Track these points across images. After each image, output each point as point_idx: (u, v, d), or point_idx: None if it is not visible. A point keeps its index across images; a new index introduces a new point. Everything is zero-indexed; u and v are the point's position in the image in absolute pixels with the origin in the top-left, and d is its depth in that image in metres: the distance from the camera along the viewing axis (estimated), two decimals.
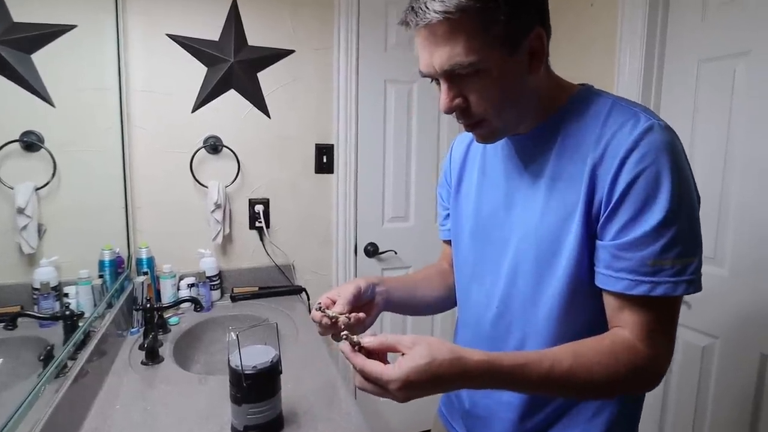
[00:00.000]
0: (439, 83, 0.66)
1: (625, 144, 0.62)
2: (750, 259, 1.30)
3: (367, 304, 0.79)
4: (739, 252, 1.33)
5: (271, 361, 0.87)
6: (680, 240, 0.60)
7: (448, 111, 0.66)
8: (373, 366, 0.57)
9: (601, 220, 0.64)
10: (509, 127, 0.70)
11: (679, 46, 1.49)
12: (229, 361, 0.86)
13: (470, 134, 0.79)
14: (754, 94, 1.29)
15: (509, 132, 0.72)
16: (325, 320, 0.68)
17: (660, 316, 0.63)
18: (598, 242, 0.65)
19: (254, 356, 0.87)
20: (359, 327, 0.70)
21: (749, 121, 1.31)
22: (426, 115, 2.02)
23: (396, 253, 2.02)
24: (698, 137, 1.43)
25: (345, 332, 0.62)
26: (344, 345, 0.61)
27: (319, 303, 0.72)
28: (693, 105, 1.45)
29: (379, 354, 0.61)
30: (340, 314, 0.68)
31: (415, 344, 0.57)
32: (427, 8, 0.59)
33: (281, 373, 0.90)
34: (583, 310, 0.69)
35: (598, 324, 0.67)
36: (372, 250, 1.97)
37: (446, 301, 0.95)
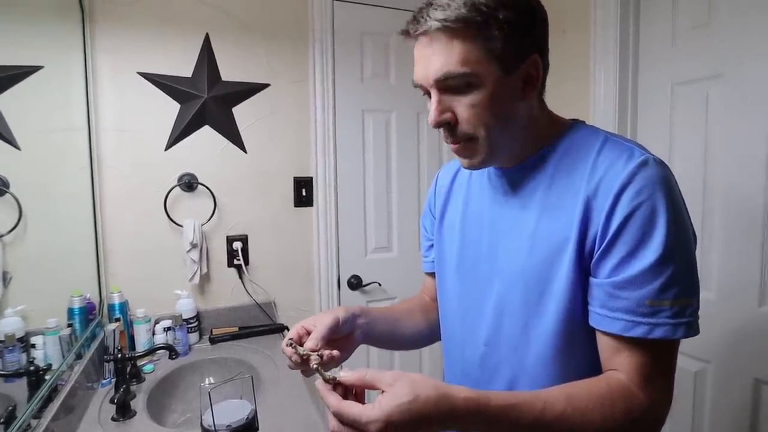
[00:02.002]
0: (431, 96, 0.65)
1: (620, 178, 0.60)
2: (736, 281, 1.29)
3: (344, 337, 0.74)
4: (725, 275, 1.32)
5: (247, 418, 0.82)
6: (678, 279, 0.58)
7: (437, 125, 0.64)
8: (350, 407, 0.52)
9: (596, 256, 0.62)
10: (496, 152, 0.68)
11: (651, 70, 1.51)
12: (201, 421, 0.81)
13: (456, 164, 0.79)
14: (728, 118, 1.30)
15: (496, 159, 0.70)
16: (295, 357, 0.63)
17: (658, 360, 0.60)
18: (593, 280, 0.63)
19: (229, 413, 0.82)
20: (332, 365, 0.65)
21: (724, 145, 1.31)
22: (405, 143, 2.01)
23: (380, 284, 1.98)
24: (676, 161, 1.43)
25: (316, 366, 0.57)
26: (318, 383, 0.56)
27: (291, 339, 0.66)
28: (669, 129, 1.46)
29: (356, 392, 0.56)
30: (312, 351, 0.63)
31: (396, 381, 0.52)
32: (429, 17, 0.60)
33: (258, 429, 0.85)
34: (578, 351, 0.66)
35: (594, 366, 0.65)
36: (355, 283, 1.93)
37: (428, 337, 0.92)
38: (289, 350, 0.64)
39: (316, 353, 0.62)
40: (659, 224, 0.58)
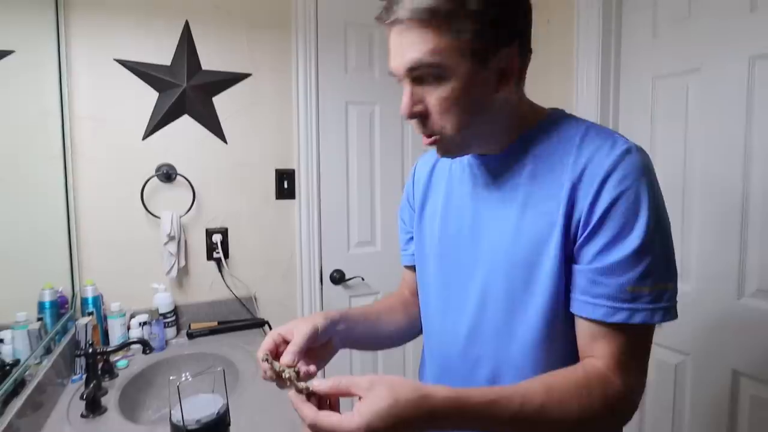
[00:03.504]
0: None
1: (605, 165, 0.61)
2: (714, 273, 1.30)
3: (322, 345, 0.71)
4: (704, 267, 1.33)
5: (218, 413, 0.79)
6: (657, 265, 0.59)
7: (408, 116, 0.64)
8: (327, 417, 0.50)
9: (579, 242, 0.62)
10: (469, 143, 0.68)
11: (633, 63, 1.52)
12: (170, 415, 0.78)
13: (434, 155, 0.77)
14: (707, 110, 1.31)
15: (471, 149, 0.70)
16: (270, 372, 0.60)
17: (634, 346, 0.61)
18: (575, 266, 0.63)
19: (199, 408, 0.80)
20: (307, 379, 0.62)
21: (704, 137, 1.32)
22: (389, 136, 1.99)
23: (363, 279, 1.95)
24: (657, 152, 1.44)
25: (289, 376, 0.55)
26: (291, 393, 0.54)
27: (267, 352, 0.63)
28: (650, 121, 1.47)
29: (331, 401, 0.55)
30: (288, 367, 0.60)
31: (373, 385, 0.51)
32: (399, 5, 0.59)
33: (230, 424, 0.82)
34: (561, 340, 0.66)
35: (571, 356, 0.65)
36: (338, 278, 1.90)
37: (409, 333, 0.90)
38: (265, 365, 0.61)
39: (293, 369, 0.59)
40: (642, 211, 0.59)
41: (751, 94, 1.22)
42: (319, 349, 0.70)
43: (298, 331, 0.65)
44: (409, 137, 2.02)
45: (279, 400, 1.16)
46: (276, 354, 0.64)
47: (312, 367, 0.62)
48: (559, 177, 0.64)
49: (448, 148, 0.68)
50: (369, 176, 1.97)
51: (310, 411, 0.51)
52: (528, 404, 0.55)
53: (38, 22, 1.36)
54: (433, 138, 0.66)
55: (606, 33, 1.54)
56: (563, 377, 0.60)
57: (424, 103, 0.63)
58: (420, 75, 0.61)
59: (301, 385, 0.54)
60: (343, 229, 1.94)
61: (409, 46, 0.60)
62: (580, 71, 1.60)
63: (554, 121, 0.69)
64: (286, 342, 0.65)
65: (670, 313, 0.60)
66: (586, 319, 0.62)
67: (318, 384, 0.53)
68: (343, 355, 0.74)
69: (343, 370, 1.93)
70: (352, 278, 1.94)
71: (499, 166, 0.71)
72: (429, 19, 0.58)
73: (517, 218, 0.67)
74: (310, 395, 0.53)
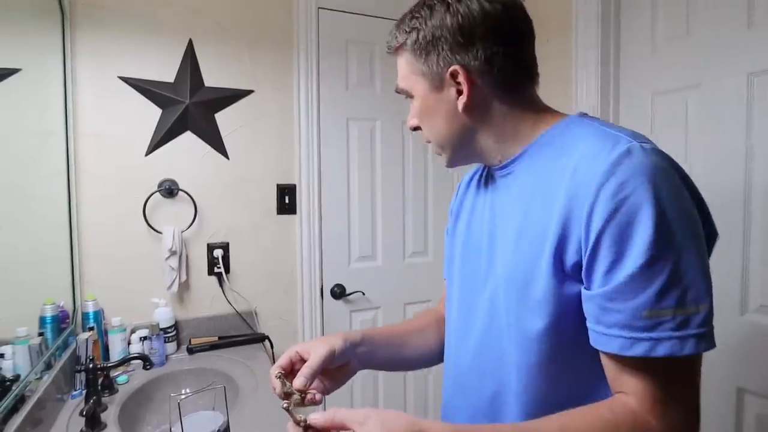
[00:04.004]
0: None
1: (599, 171, 0.54)
2: (717, 290, 1.29)
3: (339, 367, 0.71)
4: None
5: (218, 431, 0.79)
6: (678, 283, 0.51)
7: (410, 128, 0.74)
8: None
9: (584, 265, 0.55)
10: (455, 157, 0.72)
11: (632, 80, 1.53)
12: None
13: (475, 166, 0.83)
14: (706, 126, 1.32)
15: (463, 162, 0.74)
16: (279, 391, 0.62)
17: (671, 380, 0.53)
18: (584, 292, 0.56)
19: (199, 425, 0.79)
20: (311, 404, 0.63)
21: (704, 152, 1.33)
22: (390, 152, 2.01)
23: (364, 293, 1.95)
24: None
25: (287, 407, 0.55)
26: (289, 425, 0.54)
27: (281, 369, 0.64)
28: (650, 137, 1.47)
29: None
30: (298, 391, 0.61)
31: (367, 419, 0.50)
32: (390, 38, 0.71)
33: None
34: (564, 364, 0.61)
35: (589, 383, 0.60)
36: (339, 292, 1.90)
37: (438, 355, 0.86)
38: (276, 383, 0.63)
39: (300, 393, 0.61)
40: (645, 221, 0.51)
41: (750, 110, 1.23)
42: (335, 370, 0.71)
43: (315, 352, 0.66)
44: (410, 152, 2.04)
45: (279, 415, 1.15)
46: (291, 371, 0.65)
47: (318, 396, 0.63)
48: (556, 189, 0.59)
49: (445, 157, 0.74)
50: (370, 191, 1.98)
51: None
52: None
53: (45, 41, 1.39)
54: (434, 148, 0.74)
55: (604, 51, 1.55)
56: (583, 416, 0.54)
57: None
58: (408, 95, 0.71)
59: (300, 417, 0.54)
60: (344, 244, 1.94)
61: (399, 72, 0.71)
62: (579, 89, 1.61)
63: (564, 126, 0.66)
64: (303, 360, 0.66)
65: (705, 341, 0.51)
66: (604, 353, 0.56)
67: (314, 418, 0.53)
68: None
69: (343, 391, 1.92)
70: (353, 293, 1.94)
71: (507, 177, 0.70)
72: (395, 50, 0.70)
73: (516, 234, 0.64)
74: (308, 428, 0.53)
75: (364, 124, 1.95)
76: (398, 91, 0.73)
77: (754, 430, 1.24)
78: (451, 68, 0.64)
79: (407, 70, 0.69)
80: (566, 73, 1.65)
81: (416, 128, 0.73)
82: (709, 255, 0.59)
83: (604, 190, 0.53)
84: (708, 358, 1.34)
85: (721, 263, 1.28)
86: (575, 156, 0.58)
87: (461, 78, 0.64)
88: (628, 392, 0.54)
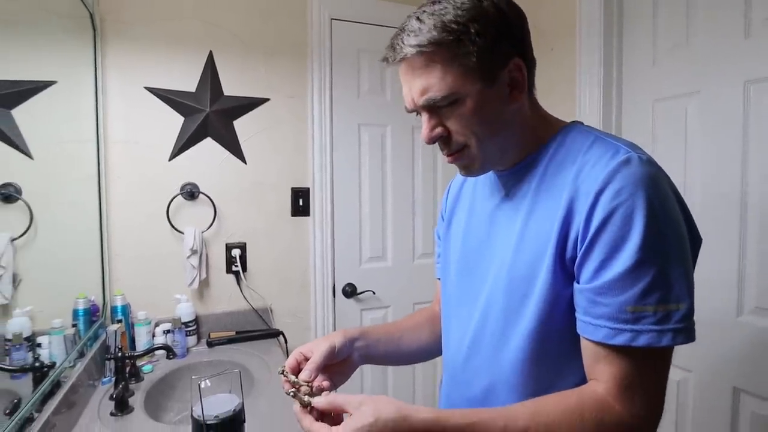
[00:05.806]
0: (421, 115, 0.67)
1: (599, 178, 0.59)
2: (712, 291, 1.33)
3: (341, 361, 0.77)
4: (703, 285, 1.33)
5: (234, 410, 0.87)
6: (661, 283, 0.56)
7: (430, 141, 0.67)
8: (320, 428, 0.58)
9: (578, 260, 0.61)
10: (491, 158, 0.69)
11: (634, 87, 1.56)
12: (192, 411, 0.87)
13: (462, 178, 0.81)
14: (705, 132, 1.35)
15: (492, 165, 0.71)
16: (287, 386, 0.69)
17: (641, 370, 0.58)
18: (576, 285, 0.61)
19: (217, 405, 0.88)
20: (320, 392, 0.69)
21: (703, 157, 1.36)
22: (400, 156, 2.08)
23: (374, 293, 2.03)
24: None
25: (293, 393, 0.63)
26: (295, 407, 0.62)
27: (284, 367, 0.72)
28: (651, 142, 1.51)
29: (333, 415, 0.61)
30: (304, 382, 0.68)
31: (362, 404, 0.57)
32: (404, 44, 0.62)
33: (244, 422, 0.90)
34: (555, 359, 0.65)
35: (574, 373, 0.64)
36: (350, 291, 1.98)
37: (432, 351, 0.92)
38: (283, 378, 0.70)
39: (307, 384, 0.68)
40: (637, 226, 0.56)
41: (747, 117, 1.25)
42: (339, 365, 0.77)
43: (317, 350, 0.73)
44: (420, 157, 2.11)
45: (288, 407, 1.24)
46: (297, 371, 0.72)
47: (325, 383, 0.69)
48: (560, 192, 0.63)
49: (468, 164, 0.70)
50: (380, 194, 2.06)
51: (307, 421, 0.60)
52: (511, 427, 0.55)
53: (78, 56, 1.50)
54: (454, 156, 0.69)
55: (607, 59, 1.59)
56: (554, 401, 0.59)
57: (443, 126, 0.66)
58: (435, 105, 0.64)
59: (305, 399, 0.62)
60: (356, 245, 2.02)
61: (420, 81, 0.63)
62: (582, 96, 1.65)
63: (567, 133, 0.69)
64: (308, 359, 0.72)
65: (682, 335, 0.56)
66: (589, 341, 0.60)
67: (317, 401, 0.61)
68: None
69: (355, 382, 2.00)
70: (364, 292, 2.02)
71: (513, 179, 0.72)
72: (434, 51, 0.60)
73: (520, 233, 0.67)
74: (312, 409, 0.61)
75: (375, 129, 2.03)
76: (431, 102, 0.63)
77: (749, 429, 1.26)
78: (514, 60, 0.63)
79: (451, 72, 0.61)
80: (570, 81, 1.70)
81: (439, 138, 0.67)
82: (694, 258, 0.64)
83: (604, 195, 0.58)
84: (705, 358, 1.36)
85: (718, 266, 1.31)
86: (578, 162, 0.63)
87: (519, 68, 0.64)
88: (600, 379, 0.59)
